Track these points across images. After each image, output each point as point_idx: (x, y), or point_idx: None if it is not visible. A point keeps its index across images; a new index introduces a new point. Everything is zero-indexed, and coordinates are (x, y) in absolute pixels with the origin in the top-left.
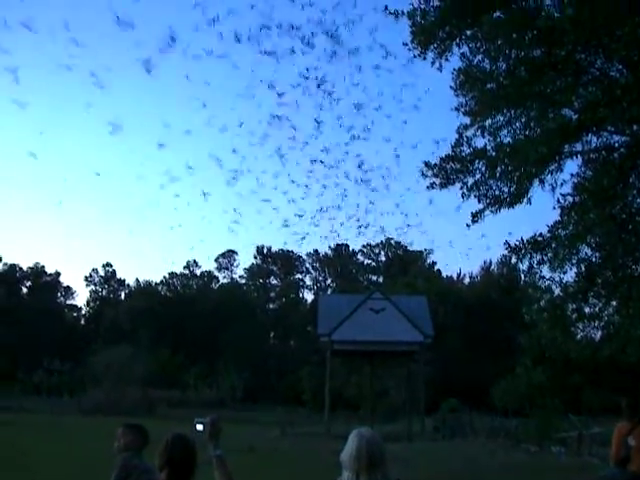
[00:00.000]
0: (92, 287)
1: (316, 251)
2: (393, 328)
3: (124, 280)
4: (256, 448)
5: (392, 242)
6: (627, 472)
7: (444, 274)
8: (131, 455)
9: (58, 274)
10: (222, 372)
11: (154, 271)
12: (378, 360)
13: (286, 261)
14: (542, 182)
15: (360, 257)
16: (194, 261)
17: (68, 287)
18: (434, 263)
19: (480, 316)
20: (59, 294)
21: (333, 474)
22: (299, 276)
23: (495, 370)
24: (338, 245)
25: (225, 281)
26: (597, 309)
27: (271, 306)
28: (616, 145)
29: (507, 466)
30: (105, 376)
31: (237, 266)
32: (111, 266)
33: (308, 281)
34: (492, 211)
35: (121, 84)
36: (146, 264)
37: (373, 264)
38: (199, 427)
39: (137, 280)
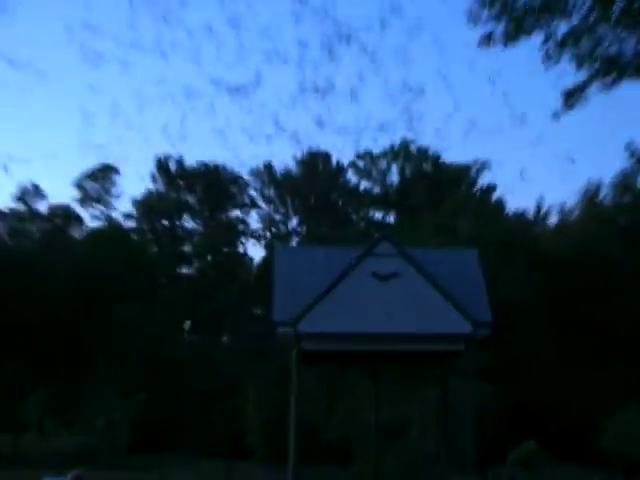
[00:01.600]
0: None
1: (269, 166)
2: (415, 310)
3: None
4: None
5: (412, 148)
6: None
7: (509, 210)
8: None
9: None
10: (93, 396)
11: None
12: (387, 372)
13: (212, 185)
14: None
15: (352, 177)
16: (34, 186)
17: None
18: (491, 189)
19: (579, 286)
20: None
21: None
22: (237, 213)
23: (608, 387)
24: (311, 154)
25: (96, 224)
26: None
27: (185, 271)
28: None
29: None
30: None
31: (119, 196)
32: None
33: (254, 223)
34: (603, 85)
35: None
36: None
37: (377, 190)
38: None
39: None
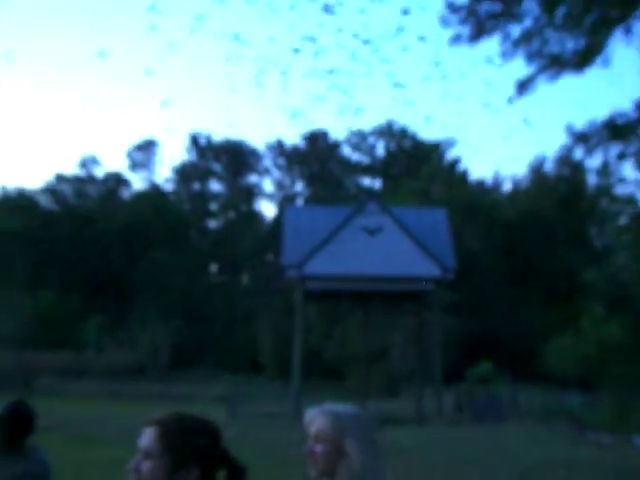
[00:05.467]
0: None
1: (280, 142)
2: (396, 257)
3: None
4: None
5: (394, 129)
6: None
7: (472, 178)
8: None
9: None
10: (139, 323)
11: (30, 174)
12: (374, 306)
13: (235, 156)
14: (628, 32)
15: (347, 151)
16: (92, 157)
17: None
18: (457, 162)
19: (527, 241)
20: None
21: (302, 472)
22: (254, 179)
23: (548, 321)
24: (313, 133)
25: (142, 186)
26: None
27: (212, 224)
28: None
29: (568, 466)
30: None
31: (160, 164)
32: None
33: (268, 187)
34: (549, 77)
35: None
36: (16, 164)
37: (366, 161)
38: None
39: (3, 188)
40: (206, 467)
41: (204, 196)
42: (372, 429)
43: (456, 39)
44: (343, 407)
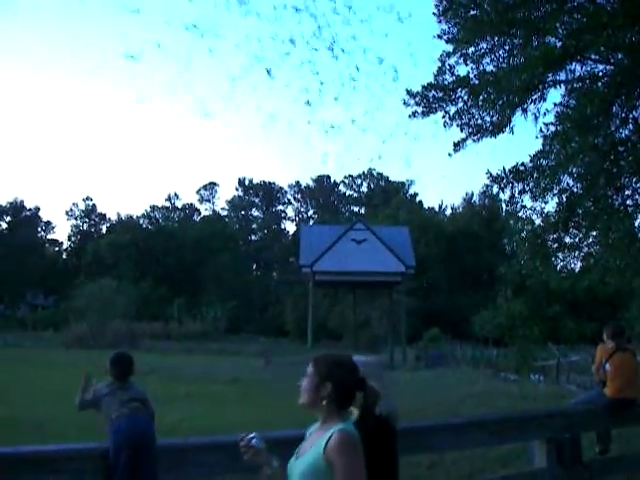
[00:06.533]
0: (73, 221)
1: (298, 182)
2: (375, 259)
3: (105, 214)
4: (240, 379)
5: (374, 173)
6: (603, 397)
7: (426, 205)
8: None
9: (38, 209)
10: (205, 304)
11: (135, 204)
12: (360, 291)
13: (268, 192)
14: (525, 111)
15: (342, 188)
16: (175, 194)
17: (48, 222)
18: (415, 194)
19: (462, 247)
20: (39, 229)
21: None
22: (281, 207)
23: (476, 300)
24: (320, 176)
25: (207, 213)
26: (577, 239)
27: (253, 238)
28: (600, 74)
29: (487, 394)
30: (88, 310)
31: (218, 198)
32: (91, 200)
33: (290, 212)
34: (474, 140)
35: None
36: (127, 197)
37: (355, 195)
38: (255, 442)
39: (118, 214)
40: (337, 385)
41: (248, 219)
42: (383, 371)
43: (414, 114)
44: (366, 358)
